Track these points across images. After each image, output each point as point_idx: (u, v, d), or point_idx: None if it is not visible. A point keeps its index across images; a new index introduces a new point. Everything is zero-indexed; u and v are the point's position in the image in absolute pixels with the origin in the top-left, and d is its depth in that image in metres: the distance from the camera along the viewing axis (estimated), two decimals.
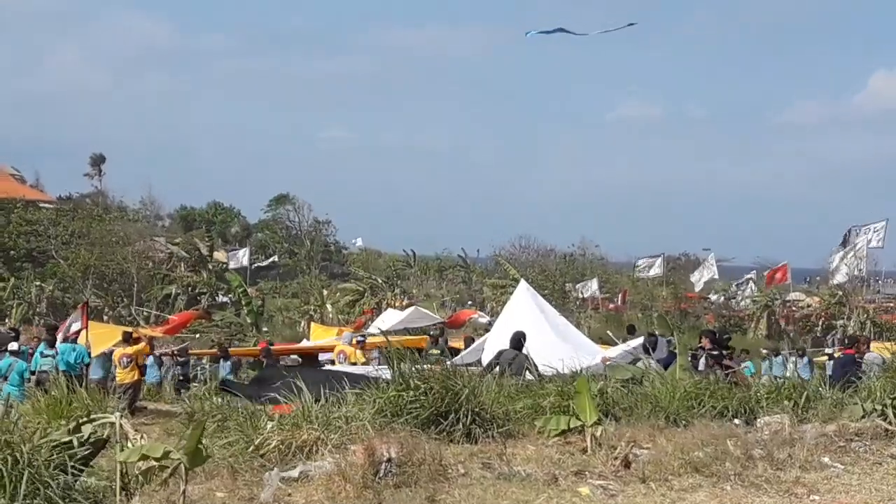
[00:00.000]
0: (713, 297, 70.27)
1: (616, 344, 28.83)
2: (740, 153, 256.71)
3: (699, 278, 73.39)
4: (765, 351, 35.37)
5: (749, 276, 71.72)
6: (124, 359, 25.25)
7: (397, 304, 57.99)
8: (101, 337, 28.79)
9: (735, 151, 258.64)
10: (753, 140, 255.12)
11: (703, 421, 13.44)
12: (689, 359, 19.99)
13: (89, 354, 25.26)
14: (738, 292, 69.51)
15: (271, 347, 32.48)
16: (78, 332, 25.95)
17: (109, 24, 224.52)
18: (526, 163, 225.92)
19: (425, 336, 33.02)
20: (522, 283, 28.44)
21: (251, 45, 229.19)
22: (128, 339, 25.96)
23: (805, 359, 32.33)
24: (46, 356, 24.47)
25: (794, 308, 64.25)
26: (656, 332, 25.24)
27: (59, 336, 26.33)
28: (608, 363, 20.24)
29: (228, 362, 30.34)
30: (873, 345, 23.59)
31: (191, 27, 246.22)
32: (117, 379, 25.41)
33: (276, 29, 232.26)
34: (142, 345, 25.91)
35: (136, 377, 25.53)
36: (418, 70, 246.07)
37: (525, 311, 24.79)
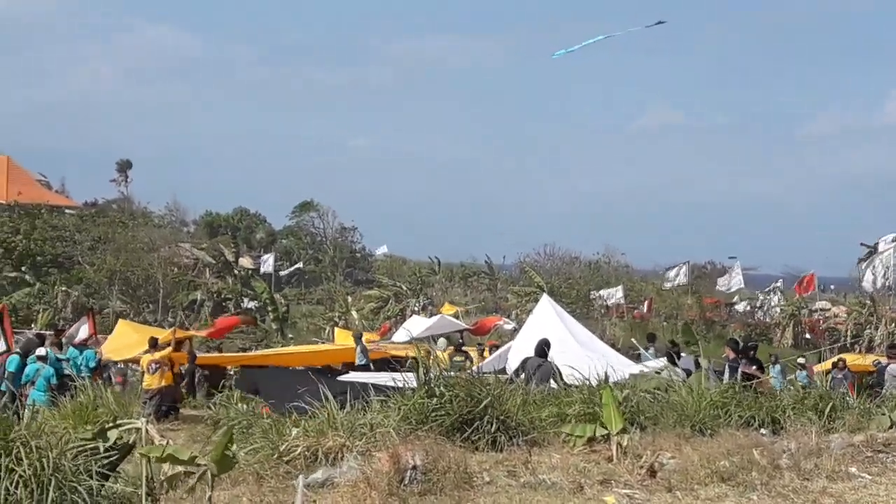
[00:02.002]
0: (739, 307, 70.01)
1: (640, 351, 28.80)
2: (765, 162, 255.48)
3: (727, 286, 73.11)
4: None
5: (776, 284, 71.47)
6: (152, 365, 25.30)
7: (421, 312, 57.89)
8: (128, 348, 29.09)
9: (759, 160, 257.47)
10: (778, 149, 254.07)
11: (729, 430, 13.37)
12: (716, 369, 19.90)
13: (97, 359, 25.31)
14: (766, 301, 69.25)
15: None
16: (86, 340, 26.02)
17: (136, 36, 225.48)
18: (550, 171, 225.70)
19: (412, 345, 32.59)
20: (545, 296, 28.46)
21: (274, 55, 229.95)
22: (154, 345, 26.02)
23: (777, 366, 32.18)
24: (60, 360, 24.52)
25: (820, 317, 63.99)
26: (679, 343, 25.13)
27: (64, 340, 26.38)
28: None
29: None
30: None
31: (215, 38, 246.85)
32: (144, 384, 25.47)
33: (299, 39, 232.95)
34: (168, 350, 25.96)
35: (165, 383, 25.59)
36: (441, 79, 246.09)
37: (548, 322, 24.72)
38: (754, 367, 20.42)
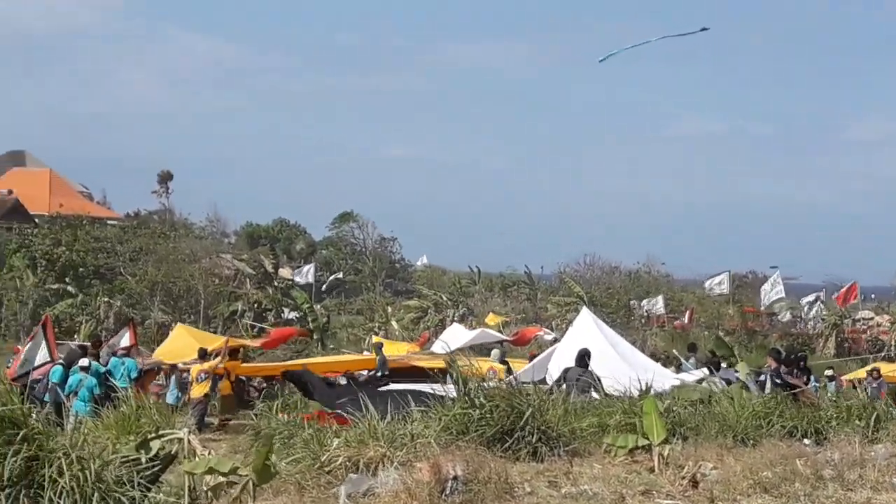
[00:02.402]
0: (780, 317, 69.47)
1: (682, 362, 28.68)
2: (806, 169, 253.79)
3: (767, 297, 72.56)
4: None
5: (818, 294, 70.93)
6: (201, 374, 25.45)
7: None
8: (182, 351, 29.25)
9: (801, 167, 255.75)
10: (819, 156, 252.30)
11: (772, 440, 13.30)
12: (758, 379, 19.80)
13: (139, 369, 25.45)
14: (809, 311, 68.73)
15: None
16: (128, 349, 26.17)
17: (176, 46, 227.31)
18: (589, 180, 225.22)
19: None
20: (585, 309, 28.45)
21: (311, 63, 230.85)
22: (204, 356, 26.19)
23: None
24: (101, 372, 24.63)
25: (864, 327, 63.44)
26: (718, 354, 25.02)
27: (104, 351, 26.50)
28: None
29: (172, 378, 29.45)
30: None
31: (252, 47, 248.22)
32: (192, 394, 25.63)
33: (335, 47, 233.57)
34: (216, 360, 26.10)
35: (223, 392, 25.88)
36: (478, 88, 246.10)
37: (588, 334, 24.64)
38: (804, 378, 20.34)
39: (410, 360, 30.71)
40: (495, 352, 31.69)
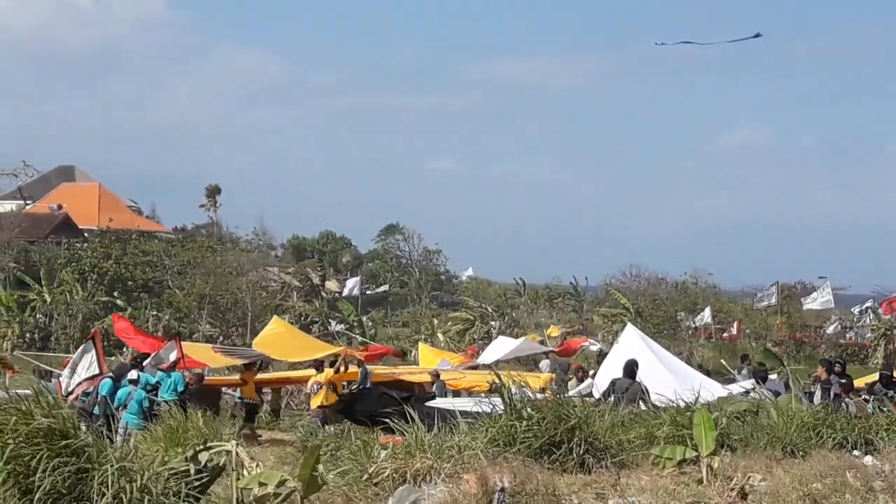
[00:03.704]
0: (830, 330, 68.88)
1: (730, 374, 28.54)
2: (853, 180, 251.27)
3: (815, 302, 71.97)
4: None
5: (868, 304, 70.34)
6: (315, 385, 26.17)
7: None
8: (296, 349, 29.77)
9: (848, 178, 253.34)
10: (867, 167, 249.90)
11: (822, 452, 13.18)
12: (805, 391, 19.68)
13: (186, 383, 25.64)
14: (861, 320, 68.20)
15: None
16: (175, 363, 26.34)
17: (223, 60, 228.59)
18: (635, 192, 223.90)
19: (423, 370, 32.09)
20: (629, 325, 28.45)
21: (360, 78, 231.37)
22: (319, 367, 27.15)
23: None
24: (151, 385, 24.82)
25: None
26: (766, 365, 24.86)
27: (148, 363, 26.72)
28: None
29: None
30: None
31: (299, 62, 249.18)
32: (310, 404, 26.43)
33: (386, 63, 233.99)
34: (330, 371, 26.60)
35: (327, 402, 26.25)
36: (525, 102, 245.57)
37: (634, 348, 24.52)
38: (839, 385, 20.19)
39: (398, 373, 30.77)
40: (545, 362, 31.67)
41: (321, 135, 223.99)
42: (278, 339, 31.98)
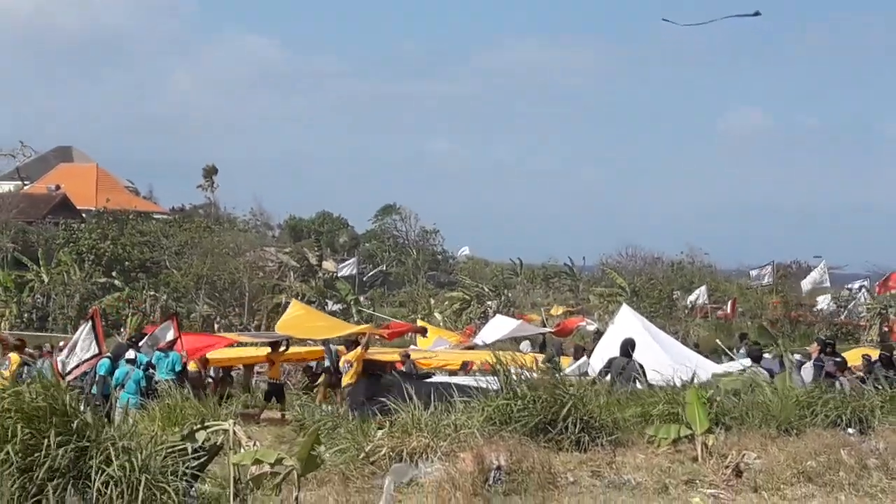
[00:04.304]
0: (822, 306, 68.76)
1: (726, 353, 28.59)
2: (850, 162, 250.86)
3: (815, 284, 71.93)
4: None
5: (862, 282, 70.28)
6: (346, 365, 26.22)
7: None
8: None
9: (851, 162, 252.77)
10: (864, 150, 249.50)
11: (816, 430, 13.24)
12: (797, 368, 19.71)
13: (184, 363, 25.65)
14: (854, 298, 68.09)
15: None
16: (172, 343, 26.34)
17: (222, 46, 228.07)
18: (633, 176, 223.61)
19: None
20: (625, 306, 28.47)
21: (362, 66, 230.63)
22: (348, 346, 27.29)
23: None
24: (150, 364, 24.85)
25: None
26: (760, 342, 24.88)
27: (144, 343, 26.73)
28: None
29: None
30: None
31: (303, 49, 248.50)
32: (343, 382, 26.49)
33: (387, 51, 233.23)
34: (359, 349, 26.66)
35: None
36: (526, 91, 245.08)
37: (629, 328, 24.55)
38: (832, 364, 20.25)
39: (369, 353, 30.88)
40: (525, 344, 31.69)
41: (320, 120, 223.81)
42: (301, 321, 32.08)
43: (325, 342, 30.18)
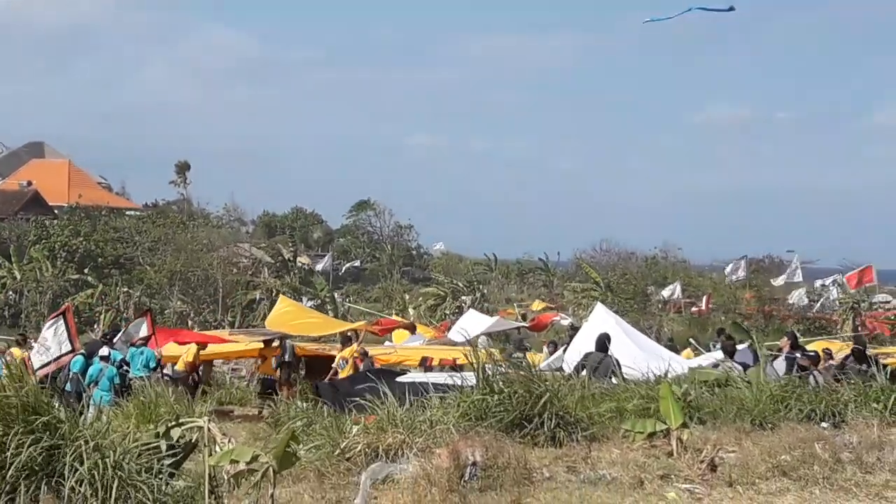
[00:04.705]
0: (793, 300, 68.98)
1: (701, 351, 28.66)
2: (829, 155, 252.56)
3: (785, 278, 72.24)
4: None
5: (834, 277, 70.61)
6: (342, 361, 26.21)
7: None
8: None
9: (824, 153, 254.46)
10: (843, 142, 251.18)
11: (790, 424, 13.29)
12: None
13: (158, 359, 25.55)
14: (824, 293, 68.36)
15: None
16: (146, 339, 26.25)
17: (195, 38, 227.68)
18: (610, 167, 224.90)
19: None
20: (599, 304, 28.59)
21: (337, 56, 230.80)
22: (345, 342, 27.60)
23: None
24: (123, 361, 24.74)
25: (881, 310, 63.19)
26: (734, 337, 24.94)
27: (119, 339, 26.62)
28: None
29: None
30: None
31: (277, 41, 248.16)
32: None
33: (362, 41, 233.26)
34: (354, 346, 26.64)
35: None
36: (504, 78, 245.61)
37: (604, 325, 24.59)
38: (800, 356, 20.30)
39: (320, 350, 30.73)
40: (482, 339, 31.65)
41: (294, 112, 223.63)
42: (290, 317, 31.87)
43: (282, 337, 30.02)
